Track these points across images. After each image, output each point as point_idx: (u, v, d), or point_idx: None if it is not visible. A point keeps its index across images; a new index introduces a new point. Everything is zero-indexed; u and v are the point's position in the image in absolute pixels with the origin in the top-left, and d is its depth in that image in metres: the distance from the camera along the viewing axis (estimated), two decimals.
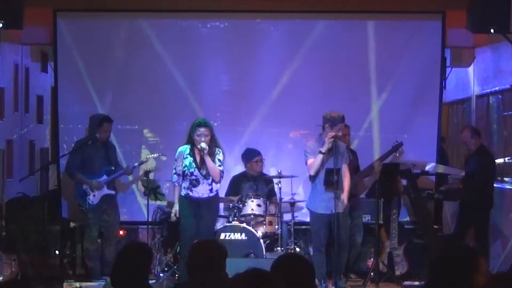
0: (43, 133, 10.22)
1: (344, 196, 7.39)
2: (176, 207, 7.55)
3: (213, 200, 7.64)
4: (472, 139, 8.22)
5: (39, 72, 9.89)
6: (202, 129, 7.39)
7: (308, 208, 7.64)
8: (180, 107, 8.93)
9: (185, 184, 7.50)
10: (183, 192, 7.53)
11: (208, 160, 7.36)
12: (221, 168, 7.47)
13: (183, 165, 7.46)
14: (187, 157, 7.48)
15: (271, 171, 8.70)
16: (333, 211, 7.32)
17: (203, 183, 7.48)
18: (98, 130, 8.20)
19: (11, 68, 9.12)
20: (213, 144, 7.43)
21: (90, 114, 8.59)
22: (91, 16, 9.01)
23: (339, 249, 7.40)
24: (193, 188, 7.48)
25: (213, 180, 7.48)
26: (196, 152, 7.47)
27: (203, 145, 7.31)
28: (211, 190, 7.53)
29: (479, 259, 3.69)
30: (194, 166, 7.44)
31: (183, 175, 7.49)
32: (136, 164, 8.41)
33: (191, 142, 7.48)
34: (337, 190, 7.27)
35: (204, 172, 7.44)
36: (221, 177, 7.53)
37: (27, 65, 9.50)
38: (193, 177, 7.46)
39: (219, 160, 7.46)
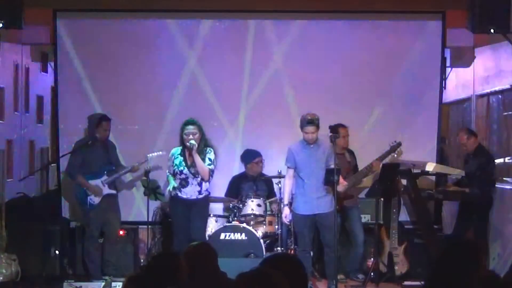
0: (43, 133, 10.24)
1: (341, 181, 7.39)
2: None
3: (203, 202, 7.65)
4: (469, 140, 8.26)
5: (39, 72, 9.91)
6: (189, 127, 7.48)
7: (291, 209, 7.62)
8: (180, 107, 8.92)
9: (176, 184, 7.57)
10: (173, 193, 7.61)
11: (196, 157, 7.42)
12: (211, 167, 7.51)
13: (174, 164, 7.54)
14: (177, 157, 7.58)
15: (271, 171, 8.69)
16: (315, 212, 7.39)
17: (192, 183, 7.53)
18: (97, 129, 8.19)
19: (11, 68, 9.13)
20: (202, 142, 7.48)
21: (90, 114, 8.58)
22: (91, 16, 9.01)
23: (329, 250, 7.41)
24: (182, 189, 7.55)
25: (202, 179, 7.50)
26: (187, 151, 7.52)
27: (193, 141, 7.39)
28: (200, 192, 7.57)
29: (480, 253, 3.70)
30: (184, 164, 7.51)
31: (174, 174, 7.57)
32: (136, 164, 8.40)
33: (183, 142, 7.54)
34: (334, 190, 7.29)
35: (193, 171, 7.50)
36: (211, 176, 7.57)
37: (27, 65, 9.51)
38: (183, 176, 7.52)
39: (210, 159, 7.51)
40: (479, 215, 8.14)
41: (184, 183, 7.55)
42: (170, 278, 4.29)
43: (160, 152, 8.48)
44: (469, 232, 8.30)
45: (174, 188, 7.57)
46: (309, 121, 7.34)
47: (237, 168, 8.83)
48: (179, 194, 7.56)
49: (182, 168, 7.53)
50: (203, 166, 7.46)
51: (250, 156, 8.58)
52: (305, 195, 7.43)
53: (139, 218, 8.79)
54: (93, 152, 8.19)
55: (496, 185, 8.28)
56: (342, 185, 7.47)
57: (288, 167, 7.57)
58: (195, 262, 4.56)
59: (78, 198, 8.23)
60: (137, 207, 8.94)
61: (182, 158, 7.56)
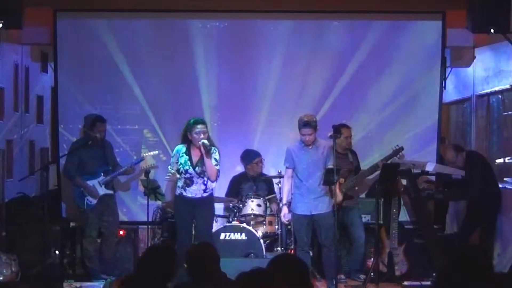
0: (43, 133, 10.21)
1: (338, 190, 7.37)
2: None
3: (208, 200, 7.59)
4: (458, 157, 8.24)
5: (39, 72, 9.88)
6: (200, 127, 7.39)
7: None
8: (180, 107, 8.93)
9: (180, 183, 7.51)
10: (178, 192, 7.56)
11: (208, 157, 7.36)
12: (217, 167, 7.45)
13: (179, 163, 7.48)
14: (182, 156, 7.48)
15: (271, 171, 8.70)
16: (313, 213, 7.40)
17: (197, 182, 7.47)
18: (91, 131, 8.18)
19: (11, 68, 9.11)
20: (209, 142, 7.44)
21: (85, 116, 8.56)
22: (91, 16, 9.01)
23: (326, 250, 7.42)
24: (187, 188, 7.48)
25: (208, 179, 7.47)
26: (193, 150, 7.47)
27: (205, 141, 7.31)
28: (205, 190, 7.50)
29: (489, 260, 3.73)
30: (189, 164, 7.45)
31: (178, 173, 7.51)
32: (133, 163, 8.41)
33: (187, 141, 7.48)
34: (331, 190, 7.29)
35: (198, 170, 7.44)
36: (217, 176, 7.51)
37: (27, 65, 9.49)
38: (188, 175, 7.46)
39: (216, 159, 7.44)
40: (486, 217, 8.11)
41: (189, 182, 7.48)
42: (165, 271, 4.29)
43: (156, 152, 8.51)
44: (475, 234, 8.28)
45: (178, 187, 7.54)
46: (306, 123, 7.33)
47: (237, 168, 8.83)
48: (184, 193, 7.50)
49: (187, 167, 7.46)
50: (212, 166, 7.37)
51: (250, 157, 8.59)
52: (303, 196, 7.44)
53: (139, 218, 8.80)
54: (90, 153, 8.19)
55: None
56: (339, 195, 7.47)
57: (286, 167, 7.58)
58: (197, 262, 4.56)
59: (75, 199, 8.23)
60: (137, 207, 8.94)
61: (187, 157, 7.48)
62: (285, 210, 7.58)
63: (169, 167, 7.64)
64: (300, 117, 7.42)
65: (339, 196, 7.44)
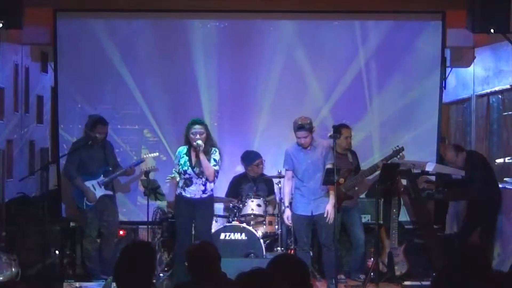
0: (43, 133, 10.22)
1: (329, 206, 7.36)
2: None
3: (207, 201, 7.59)
4: (458, 157, 8.25)
5: (39, 72, 9.89)
6: (196, 127, 7.41)
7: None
8: (180, 107, 8.93)
9: (180, 183, 7.53)
10: (178, 191, 7.58)
11: (203, 158, 7.36)
12: (216, 168, 7.44)
13: (179, 163, 7.50)
14: (183, 157, 7.51)
15: (271, 171, 8.70)
16: (313, 213, 7.40)
17: (196, 182, 7.48)
18: (92, 131, 8.18)
19: (11, 68, 9.12)
20: (209, 142, 7.43)
21: (90, 114, 8.57)
22: (91, 16, 9.01)
23: (326, 250, 7.43)
24: (186, 188, 7.49)
25: (207, 180, 7.48)
26: (192, 151, 7.48)
27: (199, 142, 7.33)
28: (204, 191, 7.51)
29: (488, 259, 3.73)
30: (188, 164, 7.46)
31: (179, 174, 7.53)
32: (133, 164, 8.41)
33: (188, 142, 7.49)
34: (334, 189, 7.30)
35: (197, 171, 7.44)
36: (216, 176, 7.50)
37: (27, 65, 9.49)
38: (187, 176, 7.47)
39: (215, 160, 7.44)
40: (486, 216, 8.11)
41: (188, 182, 7.50)
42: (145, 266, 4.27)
43: (156, 153, 8.51)
44: (475, 233, 8.29)
45: (179, 187, 7.54)
46: (300, 126, 7.32)
47: (237, 168, 8.83)
48: (183, 193, 7.51)
49: (186, 168, 7.47)
50: (209, 166, 7.38)
51: (250, 158, 8.58)
52: (303, 196, 7.46)
53: (139, 218, 8.80)
54: (90, 153, 8.18)
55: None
56: (330, 205, 7.41)
57: (286, 169, 7.59)
58: (198, 261, 4.56)
59: (75, 198, 8.23)
60: (137, 207, 8.94)
61: (187, 157, 7.49)
62: (287, 212, 7.59)
63: (173, 169, 7.66)
64: (294, 120, 7.41)
65: (331, 206, 7.39)
